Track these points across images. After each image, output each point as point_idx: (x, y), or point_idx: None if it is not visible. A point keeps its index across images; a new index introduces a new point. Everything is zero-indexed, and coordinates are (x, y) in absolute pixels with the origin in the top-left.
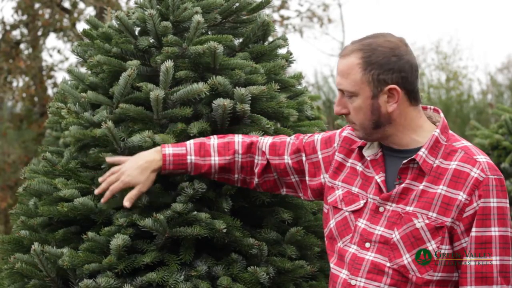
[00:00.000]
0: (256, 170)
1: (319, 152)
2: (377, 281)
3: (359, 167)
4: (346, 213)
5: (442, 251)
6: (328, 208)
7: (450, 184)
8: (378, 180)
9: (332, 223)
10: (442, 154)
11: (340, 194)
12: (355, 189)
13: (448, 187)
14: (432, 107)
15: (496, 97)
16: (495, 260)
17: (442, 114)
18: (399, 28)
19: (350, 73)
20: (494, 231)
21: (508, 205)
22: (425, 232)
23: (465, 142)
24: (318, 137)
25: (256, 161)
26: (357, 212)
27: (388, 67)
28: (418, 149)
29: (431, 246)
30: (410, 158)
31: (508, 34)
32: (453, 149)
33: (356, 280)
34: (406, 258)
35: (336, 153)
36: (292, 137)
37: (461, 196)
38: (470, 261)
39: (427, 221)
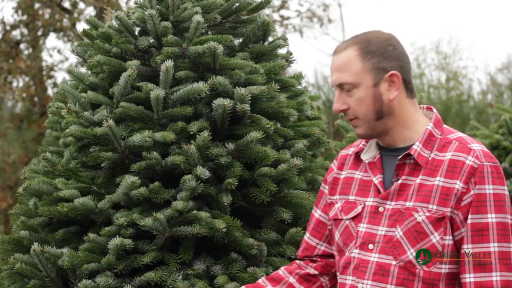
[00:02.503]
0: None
1: (325, 189)
2: (383, 282)
3: (357, 174)
4: (347, 222)
5: (446, 242)
6: (331, 224)
7: (446, 175)
8: (376, 182)
9: (337, 236)
10: (437, 147)
11: (339, 206)
12: (352, 197)
13: (445, 177)
14: (424, 106)
15: (496, 97)
16: (493, 247)
17: (435, 110)
18: (399, 28)
19: (348, 66)
20: (491, 218)
21: (507, 192)
22: (426, 225)
23: (459, 134)
24: (323, 188)
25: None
26: (357, 218)
27: (386, 55)
28: (413, 144)
29: (435, 238)
30: (405, 153)
31: (508, 34)
32: (448, 141)
33: (362, 284)
34: (411, 253)
35: (334, 173)
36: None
37: (458, 184)
38: (467, 249)
39: (427, 214)
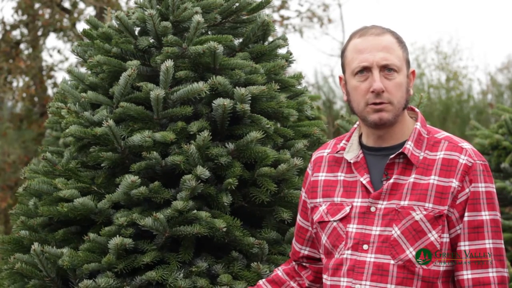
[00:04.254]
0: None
1: (304, 195)
2: (383, 282)
3: (339, 176)
4: (334, 223)
5: (444, 240)
6: (316, 227)
7: (441, 173)
8: (364, 182)
9: (324, 239)
10: (427, 146)
11: (324, 208)
12: (337, 199)
13: (440, 176)
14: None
15: (496, 97)
16: (488, 243)
17: (417, 109)
18: (399, 28)
19: (394, 49)
20: (485, 215)
21: (495, 190)
22: (425, 223)
23: (445, 133)
24: (302, 193)
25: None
26: (345, 219)
27: (408, 51)
28: (402, 144)
29: (433, 236)
30: (398, 152)
31: (508, 34)
32: (436, 141)
33: (360, 285)
34: (410, 252)
35: (311, 177)
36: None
37: (454, 183)
38: (464, 246)
39: (424, 212)
